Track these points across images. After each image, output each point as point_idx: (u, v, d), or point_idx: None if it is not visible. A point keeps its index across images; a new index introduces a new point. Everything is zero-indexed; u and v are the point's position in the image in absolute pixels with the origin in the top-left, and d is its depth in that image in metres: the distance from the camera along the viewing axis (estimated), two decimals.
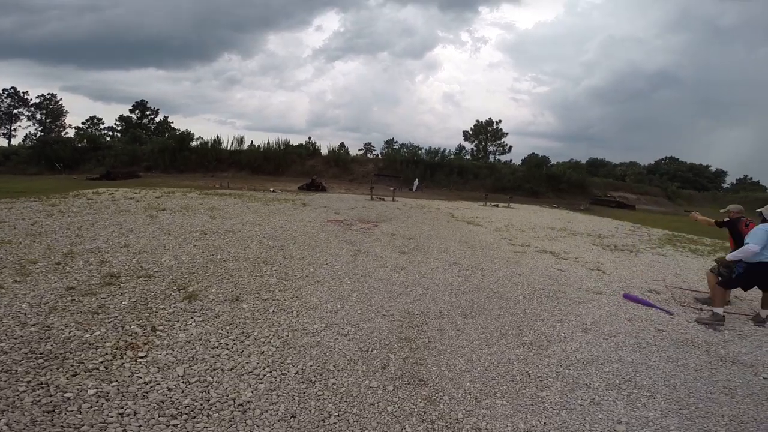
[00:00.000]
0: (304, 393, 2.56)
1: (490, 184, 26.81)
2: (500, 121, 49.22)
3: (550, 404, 2.64)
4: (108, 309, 3.43)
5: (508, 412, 2.54)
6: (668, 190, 34.88)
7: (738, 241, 4.99)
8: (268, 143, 28.77)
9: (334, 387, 2.66)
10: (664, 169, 48.12)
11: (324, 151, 29.76)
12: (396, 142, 52.99)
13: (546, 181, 28.53)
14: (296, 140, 36.14)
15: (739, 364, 3.38)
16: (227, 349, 2.99)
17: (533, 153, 49.02)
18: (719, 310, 4.39)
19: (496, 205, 17.40)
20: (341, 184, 23.12)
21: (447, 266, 5.88)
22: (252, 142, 29.81)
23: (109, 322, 3.19)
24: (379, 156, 37.16)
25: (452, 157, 34.15)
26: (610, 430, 2.41)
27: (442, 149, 31.70)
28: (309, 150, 29.67)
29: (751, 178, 48.60)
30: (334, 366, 2.90)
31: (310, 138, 33.51)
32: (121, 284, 4.04)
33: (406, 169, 26.66)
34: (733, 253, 4.59)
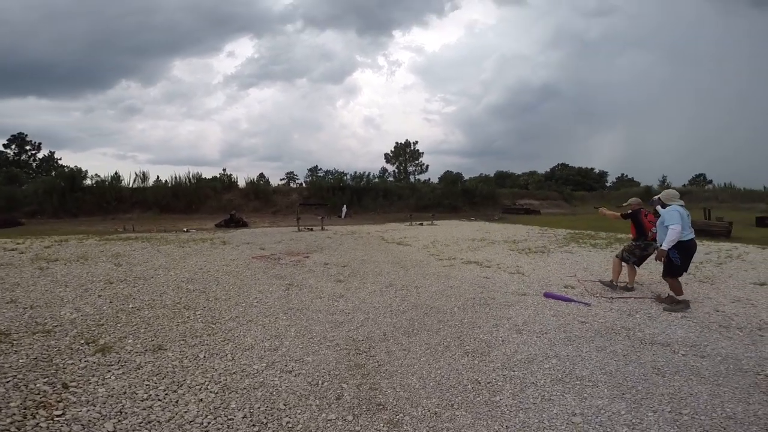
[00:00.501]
0: None
1: (413, 203, 27.88)
2: (417, 141, 51.96)
3: (505, 407, 2.73)
4: (2, 368, 3.02)
5: (469, 422, 2.57)
6: (564, 193, 39.47)
7: (639, 230, 5.83)
8: (177, 178, 26.29)
9: (290, 425, 2.51)
10: (558, 174, 54.55)
11: (242, 183, 28.21)
12: (320, 169, 53.03)
13: (462, 196, 30.52)
14: (209, 173, 33.48)
15: (658, 344, 3.77)
16: (159, 400, 2.73)
17: (448, 170, 52.44)
18: (682, 297, 4.92)
19: (421, 224, 18.08)
20: (264, 217, 22.20)
21: (384, 288, 5.90)
22: (158, 177, 27.16)
23: (7, 382, 2.82)
24: (303, 185, 36.65)
25: (377, 180, 35.01)
26: (568, 422, 2.54)
27: (366, 173, 32.36)
28: (224, 183, 27.79)
29: (627, 176, 57.22)
30: (285, 404, 2.75)
31: (224, 170, 31.29)
32: (14, 342, 3.57)
33: (332, 196, 26.54)
34: (666, 240, 4.75)
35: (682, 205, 4.97)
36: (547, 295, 5.49)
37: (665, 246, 4.77)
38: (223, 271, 7.03)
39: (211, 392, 2.86)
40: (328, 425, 2.53)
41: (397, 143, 52.38)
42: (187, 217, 21.29)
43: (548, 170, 57.26)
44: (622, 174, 58.22)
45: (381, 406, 2.75)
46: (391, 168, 52.87)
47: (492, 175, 50.97)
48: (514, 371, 3.24)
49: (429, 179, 46.77)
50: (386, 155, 53.08)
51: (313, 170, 53.30)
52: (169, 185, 25.72)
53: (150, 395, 2.79)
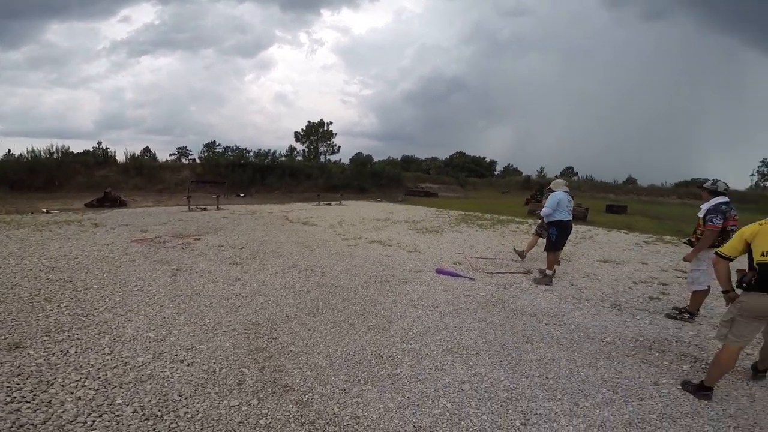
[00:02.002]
0: (155, 429, 2.25)
1: (323, 183, 27.47)
2: (331, 122, 50.79)
3: (406, 379, 2.94)
4: None
5: (376, 395, 2.72)
6: (459, 179, 42.80)
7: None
8: (35, 151, 21.83)
9: (189, 416, 2.39)
10: (456, 161, 58.89)
11: (121, 158, 24.60)
12: (219, 144, 48.65)
13: (370, 178, 31.07)
14: (80, 146, 28.55)
15: (527, 315, 4.38)
16: (27, 401, 2.41)
17: (359, 152, 52.62)
18: (550, 272, 5.70)
19: (329, 204, 17.99)
20: (147, 196, 19.73)
21: (286, 269, 5.78)
22: (9, 150, 22.34)
23: None
24: (198, 161, 33.34)
25: (284, 158, 33.53)
26: (459, 390, 2.83)
27: (272, 151, 30.71)
28: (99, 157, 23.68)
29: (512, 166, 64.29)
30: (180, 395, 2.59)
31: (100, 143, 26.85)
32: None
33: (232, 173, 24.67)
34: (540, 211, 6.05)
35: (567, 192, 5.97)
36: (438, 272, 5.98)
37: (540, 213, 5.98)
38: (94, 257, 6.11)
39: (90, 389, 2.59)
40: (232, 411, 2.46)
41: (309, 122, 50.64)
42: (48, 196, 17.76)
43: (448, 157, 61.39)
44: (509, 164, 65.35)
45: (288, 387, 2.75)
46: (301, 147, 51.11)
47: (399, 158, 52.81)
48: (411, 344, 3.50)
49: (340, 160, 46.56)
50: (296, 134, 51.03)
51: (210, 146, 48.75)
52: (25, 159, 21.11)
53: (14, 397, 2.44)
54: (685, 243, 4.93)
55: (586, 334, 3.88)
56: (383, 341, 3.54)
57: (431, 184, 35.79)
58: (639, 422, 2.50)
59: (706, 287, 4.28)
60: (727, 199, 4.14)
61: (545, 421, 2.48)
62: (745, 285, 2.74)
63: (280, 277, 5.37)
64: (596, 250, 8.78)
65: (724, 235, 4.06)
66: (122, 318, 3.80)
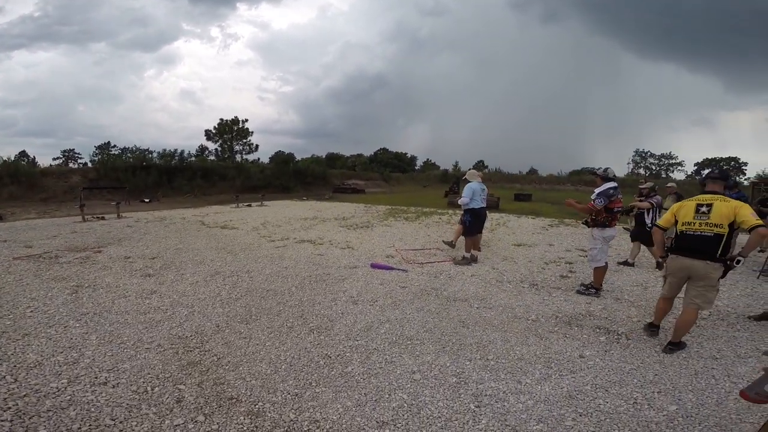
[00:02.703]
0: None
1: (240, 184, 25.96)
2: (246, 120, 47.89)
3: (359, 375, 2.88)
4: None
5: (332, 396, 2.62)
6: (384, 174, 43.69)
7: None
8: None
9: None
10: (380, 158, 60.03)
11: None
12: (114, 146, 43.25)
13: (294, 176, 30.16)
14: None
15: (459, 300, 4.57)
16: None
17: (280, 150, 50.62)
18: (468, 254, 6.32)
19: (249, 205, 17.04)
20: (28, 207, 16.81)
21: (209, 278, 5.33)
22: None
23: None
24: (90, 165, 29.26)
25: (194, 159, 30.92)
26: (411, 380, 2.83)
27: (180, 151, 28.16)
28: None
29: (431, 160, 67.35)
30: (113, 419, 2.31)
31: None
32: None
33: (133, 177, 22.08)
34: (459, 201, 6.48)
35: (480, 182, 6.51)
36: (373, 266, 6.01)
37: (459, 201, 6.49)
38: None
39: (3, 421, 2.25)
40: (178, 430, 2.24)
41: (222, 120, 47.25)
42: None
43: (372, 153, 62.19)
44: (428, 159, 68.37)
45: (234, 399, 2.55)
46: (213, 146, 47.56)
47: (324, 156, 51.98)
48: (357, 340, 3.45)
49: (258, 159, 44.38)
50: (208, 132, 47.35)
51: (104, 147, 43.16)
52: None
53: None
54: (582, 224, 5.57)
55: (513, 314, 4.18)
56: (328, 341, 3.44)
57: (358, 180, 35.92)
58: (578, 394, 2.72)
59: (604, 263, 4.87)
60: (615, 184, 4.77)
61: (496, 401, 2.60)
62: (668, 250, 3.48)
63: (203, 286, 4.94)
64: (510, 235, 9.56)
65: (610, 214, 4.70)
66: (19, 342, 3.25)
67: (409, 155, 65.38)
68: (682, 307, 3.42)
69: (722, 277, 3.22)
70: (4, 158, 20.74)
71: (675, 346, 3.36)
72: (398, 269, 5.87)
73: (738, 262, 3.13)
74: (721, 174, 3.49)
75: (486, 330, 3.75)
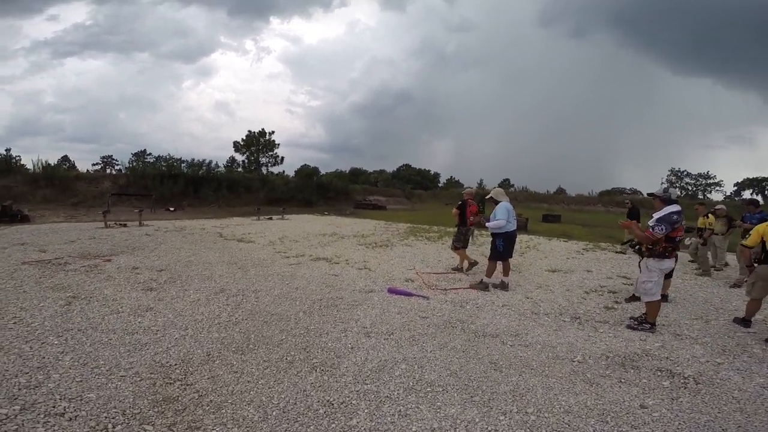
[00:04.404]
0: None
1: (264, 196, 26.08)
2: (273, 132, 48.74)
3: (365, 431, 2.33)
4: None
5: None
6: (406, 191, 43.24)
7: (462, 218, 6.74)
8: None
9: None
10: (403, 174, 59.67)
11: (29, 166, 21.49)
12: (149, 154, 44.81)
13: (317, 191, 30.13)
14: None
15: (489, 336, 3.94)
16: None
17: (305, 164, 51.16)
18: (488, 279, 5.72)
19: (270, 218, 16.90)
20: (59, 210, 17.28)
21: (212, 296, 4.92)
22: None
23: None
24: (123, 171, 30.26)
25: (221, 169, 31.51)
26: None
27: (208, 161, 28.68)
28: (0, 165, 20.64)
29: (455, 178, 66.35)
30: None
31: (8, 150, 23.20)
32: None
33: (160, 185, 22.50)
34: (489, 224, 5.76)
35: (508, 201, 5.84)
36: (390, 291, 5.45)
37: (488, 225, 5.75)
38: None
39: None
40: None
41: (250, 131, 48.31)
42: None
43: (395, 169, 61.99)
44: (451, 176, 67.32)
45: None
46: (240, 158, 48.58)
47: (347, 171, 52.20)
48: (366, 384, 2.90)
49: (284, 172, 44.93)
50: (236, 143, 48.48)
51: (140, 155, 44.68)
52: None
53: None
54: (621, 247, 5.18)
55: (555, 354, 3.53)
56: (332, 383, 2.90)
57: (380, 196, 35.65)
58: None
59: (659, 297, 4.19)
60: (678, 208, 4.09)
61: None
62: (757, 262, 4.48)
63: (203, 306, 4.52)
64: (542, 259, 8.81)
65: (671, 243, 4.05)
66: None
67: (432, 172, 64.70)
68: None
69: None
70: (44, 162, 21.56)
71: None
72: (418, 295, 5.29)
73: None
74: None
75: (523, 374, 3.12)
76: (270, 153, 48.43)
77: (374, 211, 26.33)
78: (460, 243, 6.83)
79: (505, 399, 2.75)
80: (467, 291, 5.64)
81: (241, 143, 48.07)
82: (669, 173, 57.90)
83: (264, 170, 45.62)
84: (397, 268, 7.12)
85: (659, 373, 3.14)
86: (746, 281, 4.94)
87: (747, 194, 43.74)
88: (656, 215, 4.11)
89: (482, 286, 5.68)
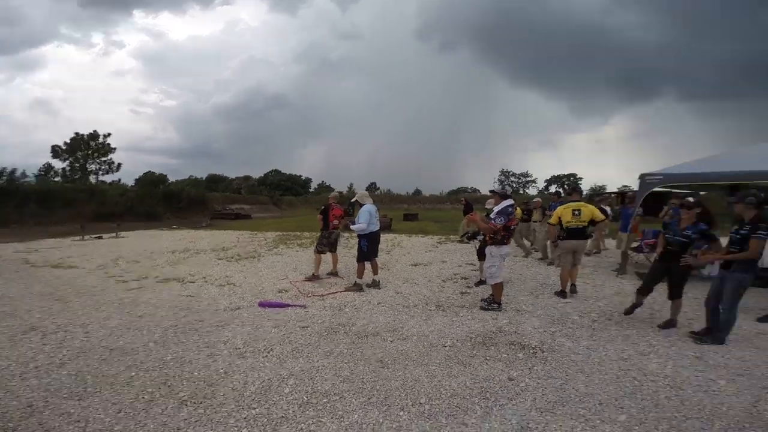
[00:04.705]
0: None
1: (92, 210, 21.45)
2: (109, 134, 40.25)
3: None
4: None
5: None
6: (274, 197, 41.43)
7: (325, 222, 6.70)
8: None
9: None
10: (271, 179, 56.75)
11: None
12: None
13: (164, 201, 26.26)
14: None
15: (371, 335, 3.93)
16: None
17: (149, 171, 44.09)
18: (360, 280, 5.83)
19: (100, 237, 13.94)
20: None
21: (18, 336, 3.80)
22: None
23: None
24: None
25: (29, 179, 24.73)
26: None
27: (8, 169, 22.20)
28: None
29: (326, 183, 66.41)
30: None
31: None
32: None
33: None
34: (352, 227, 5.88)
35: (372, 203, 5.99)
36: (262, 305, 5.06)
37: (352, 228, 5.89)
38: None
39: None
40: None
41: (77, 134, 39.08)
42: None
43: (262, 175, 58.63)
44: (323, 181, 67.30)
45: None
46: (61, 165, 39.07)
47: (204, 178, 46.95)
48: (254, 408, 2.58)
49: (120, 180, 37.79)
50: (55, 148, 38.66)
51: None
52: None
53: None
54: (461, 239, 6.80)
55: (429, 343, 3.77)
56: (212, 414, 2.50)
57: (244, 204, 33.16)
58: (529, 423, 2.42)
59: (502, 279, 4.87)
60: (512, 201, 4.86)
61: None
62: (560, 238, 5.66)
63: (7, 350, 3.43)
64: (406, 255, 9.48)
65: (507, 232, 4.74)
66: None
67: (303, 177, 63.43)
68: (574, 268, 5.58)
69: None
70: None
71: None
72: (295, 305, 5.03)
73: None
74: (575, 188, 4.20)
75: (407, 366, 3.24)
76: (102, 159, 40.32)
77: (237, 221, 24.33)
78: (324, 247, 6.74)
79: (398, 394, 2.80)
80: (344, 294, 5.63)
81: (63, 148, 38.79)
82: (500, 173, 69.24)
83: (93, 179, 37.76)
84: (268, 279, 6.68)
85: (513, 347, 3.62)
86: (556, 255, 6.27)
87: (553, 188, 55.15)
88: (496, 209, 4.78)
89: (356, 288, 5.77)
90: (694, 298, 4.70)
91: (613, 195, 21.41)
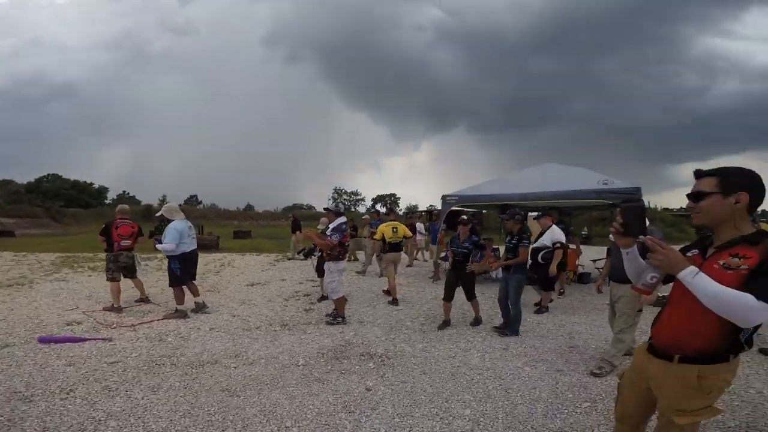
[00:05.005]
0: None
1: None
2: None
3: None
4: None
5: None
6: (52, 210, 32.08)
7: (108, 242, 5.35)
8: None
9: None
10: (46, 187, 43.27)
11: None
12: None
13: None
14: None
15: (208, 364, 3.44)
16: None
17: None
18: (181, 307, 5.01)
19: None
20: None
21: None
22: None
23: None
24: None
25: None
26: None
27: None
28: None
29: (128, 193, 54.86)
30: None
31: None
32: None
33: None
34: (158, 246, 5.02)
35: (183, 219, 5.19)
36: (43, 340, 3.82)
37: (158, 247, 5.05)
38: None
39: None
40: None
41: None
42: None
43: (32, 180, 44.27)
44: (124, 191, 55.47)
45: None
46: None
47: None
48: None
49: None
50: None
51: None
52: None
53: None
54: (298, 255, 7.03)
55: (281, 364, 3.51)
56: None
57: (2, 218, 24.43)
58: (396, 429, 2.49)
59: (343, 294, 5.00)
60: (345, 219, 5.14)
61: None
62: (384, 251, 6.80)
63: None
64: (239, 275, 8.77)
65: (343, 248, 4.92)
66: None
67: (96, 186, 50.60)
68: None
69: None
70: None
71: None
72: (94, 339, 3.97)
73: None
74: (392, 209, 5.28)
75: (262, 392, 2.95)
76: None
77: None
78: (114, 273, 5.36)
79: (259, 421, 2.52)
80: (163, 323, 4.75)
81: None
82: (333, 191, 71.94)
83: None
84: (49, 311, 5.11)
85: (364, 358, 3.71)
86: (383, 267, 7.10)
87: (378, 206, 60.12)
88: (331, 225, 4.92)
89: (179, 315, 4.97)
90: (490, 297, 5.85)
91: (423, 213, 25.25)
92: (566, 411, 2.71)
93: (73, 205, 38.58)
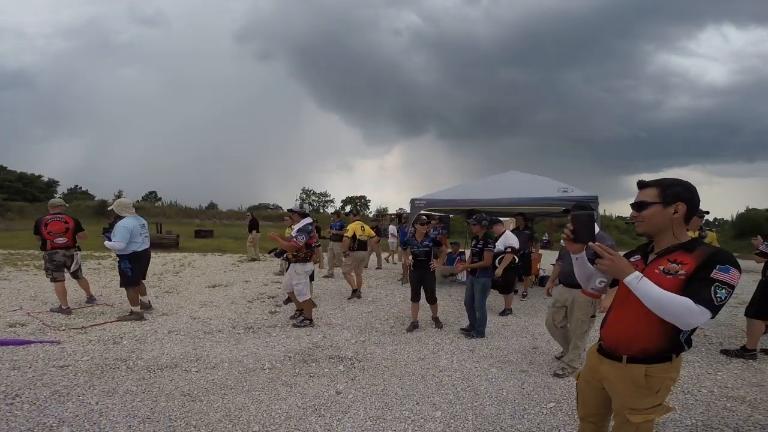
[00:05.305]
0: None
1: None
2: None
3: None
4: None
5: None
6: None
7: (42, 241, 5.07)
8: None
9: None
10: None
11: None
12: None
13: None
14: None
15: (167, 368, 3.27)
16: None
17: None
18: (136, 309, 4.81)
19: None
20: None
21: None
22: None
23: None
24: None
25: None
26: None
27: None
28: None
29: (81, 187, 51.21)
30: None
31: None
32: None
33: None
34: (106, 243, 4.75)
35: (135, 216, 4.94)
36: None
37: (106, 245, 4.75)
38: None
39: None
40: None
41: None
42: None
43: None
44: (76, 185, 51.77)
45: None
46: None
47: None
48: None
49: None
50: None
51: None
52: None
53: None
54: (267, 254, 6.93)
55: (245, 368, 3.39)
56: None
57: None
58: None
59: (310, 296, 4.93)
60: (311, 220, 5.02)
61: None
62: (352, 249, 6.80)
63: None
64: (200, 276, 8.42)
65: (310, 249, 4.84)
66: None
67: (45, 179, 46.86)
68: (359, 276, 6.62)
69: None
70: None
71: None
72: (41, 342, 3.69)
73: None
74: (358, 212, 5.08)
75: (226, 396, 2.84)
76: None
77: None
78: (55, 273, 5.03)
79: (224, 426, 2.42)
80: (116, 325, 4.48)
81: None
82: (301, 191, 70.57)
83: None
84: None
85: (333, 360, 3.65)
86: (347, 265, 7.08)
87: (348, 208, 59.33)
88: (296, 227, 4.84)
89: (135, 316, 4.73)
90: (456, 300, 5.95)
91: (393, 216, 25.47)
92: (533, 411, 2.79)
93: (19, 198, 35.68)
